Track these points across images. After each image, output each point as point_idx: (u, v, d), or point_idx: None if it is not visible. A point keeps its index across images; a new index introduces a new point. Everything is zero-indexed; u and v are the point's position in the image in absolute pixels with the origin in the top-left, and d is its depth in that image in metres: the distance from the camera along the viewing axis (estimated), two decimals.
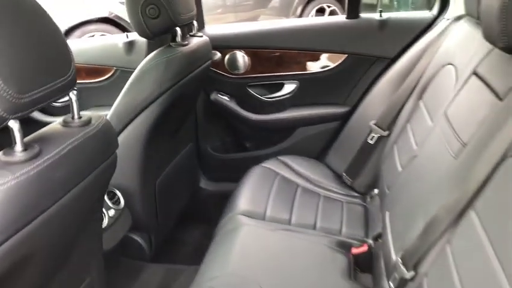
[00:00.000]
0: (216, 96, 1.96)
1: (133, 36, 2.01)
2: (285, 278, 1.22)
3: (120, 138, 1.40)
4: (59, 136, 0.81)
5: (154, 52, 1.44)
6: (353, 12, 1.83)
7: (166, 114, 1.46)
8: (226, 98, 1.97)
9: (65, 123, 0.85)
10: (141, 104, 1.39)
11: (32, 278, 0.82)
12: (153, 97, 1.39)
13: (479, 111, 1.01)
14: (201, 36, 1.63)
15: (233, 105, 1.97)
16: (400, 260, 1.01)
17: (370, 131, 1.69)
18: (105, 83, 2.01)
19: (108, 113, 1.41)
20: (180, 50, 1.45)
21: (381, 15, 1.82)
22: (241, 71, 1.93)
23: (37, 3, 0.76)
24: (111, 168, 0.96)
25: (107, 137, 0.92)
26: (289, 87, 1.94)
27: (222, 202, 1.63)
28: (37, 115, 2.04)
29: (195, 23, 1.61)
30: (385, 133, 1.64)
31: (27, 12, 0.73)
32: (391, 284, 1.04)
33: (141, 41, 1.96)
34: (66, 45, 0.80)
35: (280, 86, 1.95)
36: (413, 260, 0.97)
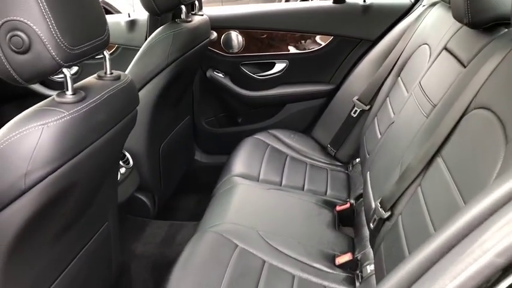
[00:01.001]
0: (212, 74, 2.11)
1: (135, 15, 2.13)
2: (279, 227, 1.39)
3: None
4: (97, 86, 0.96)
5: (161, 27, 1.58)
6: None
7: (171, 84, 1.60)
8: (221, 75, 2.11)
9: (99, 77, 1.01)
10: (150, 74, 1.53)
11: (71, 209, 0.97)
12: (161, 67, 1.53)
13: (448, 78, 1.19)
14: (202, 15, 1.78)
15: (227, 82, 2.12)
16: (378, 204, 1.19)
17: (353, 106, 1.87)
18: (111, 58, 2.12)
19: None
20: (184, 25, 1.59)
21: (364, 1, 1.99)
22: (236, 50, 2.08)
23: None
24: (133, 120, 1.11)
25: (132, 92, 1.08)
26: (279, 66, 2.10)
27: (216, 173, 1.78)
28: (38, 87, 2.15)
29: (196, 3, 1.75)
30: (367, 107, 1.82)
31: None
32: (371, 225, 1.22)
33: (142, 20, 2.08)
34: (101, 9, 0.95)
35: (271, 65, 2.10)
36: (390, 202, 1.14)
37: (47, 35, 0.79)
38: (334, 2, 2.02)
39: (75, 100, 0.86)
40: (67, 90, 0.87)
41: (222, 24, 2.05)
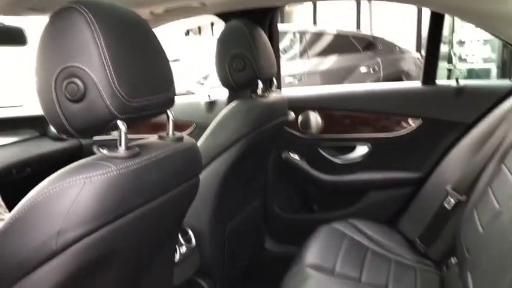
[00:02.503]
0: (287, 155, 2.01)
1: (214, 96, 2.15)
2: None
3: None
4: (155, 145, 0.88)
5: (235, 101, 1.53)
6: (429, 78, 1.86)
7: (242, 161, 1.51)
8: (297, 157, 2.00)
9: (160, 138, 0.92)
10: (221, 147, 1.46)
11: (111, 285, 0.84)
12: (232, 141, 1.45)
13: None
14: (279, 93, 1.72)
15: (304, 165, 1.99)
16: None
17: (447, 196, 1.64)
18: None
19: None
20: (259, 100, 1.53)
21: (457, 82, 1.83)
22: (314, 131, 1.98)
23: (150, 28, 0.87)
24: (194, 189, 1.00)
25: (194, 157, 0.98)
26: (361, 150, 1.95)
27: (286, 264, 1.59)
28: None
29: (274, 80, 1.71)
30: (463, 198, 1.58)
31: (142, 31, 0.84)
32: None
33: (222, 100, 2.08)
34: (169, 67, 0.89)
35: (352, 148, 1.96)
36: None
37: (103, 82, 0.73)
38: (423, 83, 1.88)
39: (126, 155, 0.77)
40: (120, 145, 0.78)
41: (300, 104, 1.98)
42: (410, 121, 1.89)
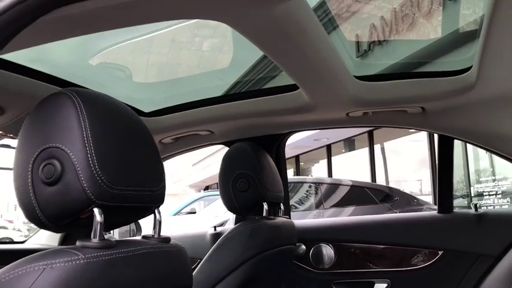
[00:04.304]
0: None
1: (220, 229, 2.06)
2: None
3: None
4: (136, 241, 0.79)
5: (240, 223, 1.45)
6: (445, 206, 1.76)
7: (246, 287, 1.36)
8: None
9: (145, 237, 0.84)
10: (224, 271, 1.33)
11: None
12: (235, 265, 1.33)
13: None
14: (288, 218, 1.64)
15: None
16: None
17: None
18: None
19: None
20: (264, 222, 1.45)
21: (476, 210, 1.72)
22: (327, 265, 1.82)
23: (142, 122, 0.85)
24: None
25: (181, 263, 0.87)
26: (379, 287, 1.76)
27: None
28: None
29: (282, 206, 1.64)
30: None
31: (133, 122, 0.81)
32: None
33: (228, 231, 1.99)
34: (160, 165, 0.85)
35: (369, 285, 1.77)
36: None
37: (81, 163, 0.67)
38: (439, 212, 1.77)
39: (99, 246, 0.68)
40: (94, 236, 0.70)
41: (312, 237, 1.86)
42: (431, 253, 1.73)
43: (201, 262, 1.38)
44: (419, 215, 1.92)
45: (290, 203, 5.76)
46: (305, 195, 6.07)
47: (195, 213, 7.22)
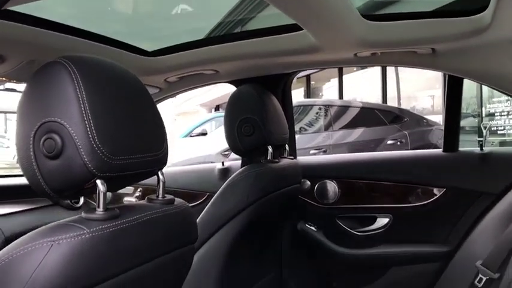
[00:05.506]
0: (303, 226, 1.89)
1: (228, 164, 2.10)
2: None
3: (201, 251, 1.37)
4: (140, 207, 0.81)
5: (244, 167, 1.47)
6: (451, 145, 1.77)
7: (251, 230, 1.42)
8: (313, 228, 1.89)
9: (149, 200, 0.86)
10: (227, 215, 1.38)
11: None
12: (240, 208, 1.38)
13: None
14: (292, 159, 1.66)
15: (321, 237, 1.87)
16: None
17: (477, 273, 1.48)
18: (198, 208, 2.06)
19: None
20: (269, 165, 1.47)
21: (481, 149, 1.72)
22: (331, 201, 1.88)
23: (141, 84, 0.84)
24: (185, 260, 0.92)
25: (186, 222, 0.91)
26: (381, 221, 1.82)
27: None
28: None
29: (287, 147, 1.66)
30: (496, 275, 1.42)
31: (130, 86, 0.81)
32: None
33: (235, 167, 2.03)
34: (161, 124, 0.85)
35: (372, 220, 1.84)
36: None
37: (81, 138, 0.68)
38: (444, 151, 1.78)
39: (103, 217, 0.71)
40: (98, 206, 0.73)
41: (316, 173, 1.90)
42: (433, 190, 1.77)
43: (208, 205, 1.43)
44: (424, 153, 1.93)
45: (300, 126, 5.79)
46: (315, 117, 6.07)
47: (206, 134, 7.30)
